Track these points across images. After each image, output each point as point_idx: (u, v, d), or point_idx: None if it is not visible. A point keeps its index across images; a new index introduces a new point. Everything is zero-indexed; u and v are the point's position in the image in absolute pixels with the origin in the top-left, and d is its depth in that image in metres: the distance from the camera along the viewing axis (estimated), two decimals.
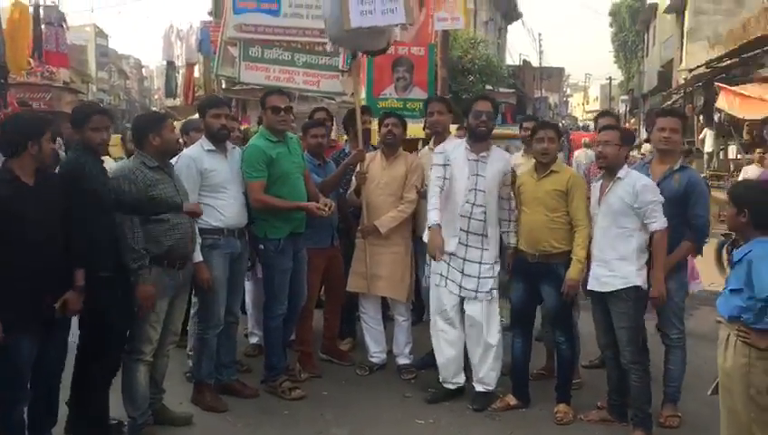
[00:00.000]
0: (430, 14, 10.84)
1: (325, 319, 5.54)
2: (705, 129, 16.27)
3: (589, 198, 4.37)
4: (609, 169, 4.20)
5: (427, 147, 5.48)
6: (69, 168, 3.84)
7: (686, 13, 22.87)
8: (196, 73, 21.50)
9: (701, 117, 17.12)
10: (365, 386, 5.08)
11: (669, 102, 21.58)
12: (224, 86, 17.83)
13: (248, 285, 5.50)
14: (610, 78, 51.00)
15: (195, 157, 4.43)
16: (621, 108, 39.77)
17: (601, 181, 4.25)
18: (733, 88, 11.72)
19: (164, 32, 21.24)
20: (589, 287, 4.22)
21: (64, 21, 20.48)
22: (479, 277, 4.54)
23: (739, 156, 12.75)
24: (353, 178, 5.25)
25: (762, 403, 3.07)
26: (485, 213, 4.54)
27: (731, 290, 3.13)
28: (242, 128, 7.42)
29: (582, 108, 65.05)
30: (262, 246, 4.71)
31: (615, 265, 4.09)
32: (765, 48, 12.65)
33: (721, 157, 15.16)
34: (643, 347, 4.23)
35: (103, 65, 45.32)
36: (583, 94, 67.36)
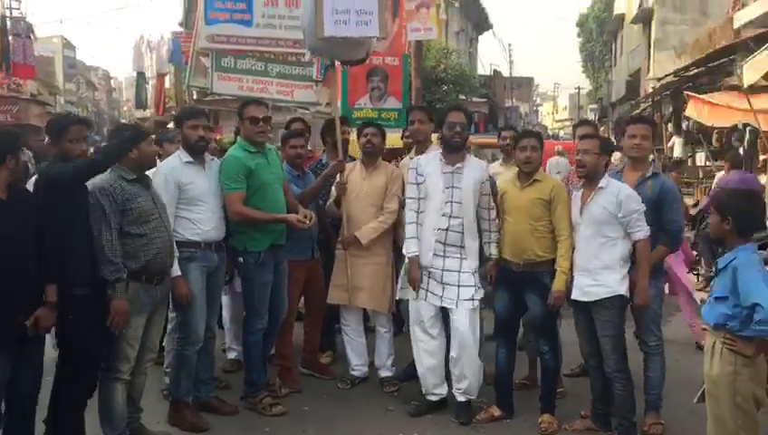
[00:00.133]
0: (403, 24, 10.87)
1: (305, 332, 5.47)
2: (674, 136, 16.51)
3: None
4: (588, 177, 4.21)
5: (408, 156, 5.45)
6: (46, 179, 3.73)
7: (653, 23, 23.32)
8: (167, 84, 21.32)
9: (669, 125, 17.37)
10: (347, 400, 5.02)
11: (638, 111, 21.87)
12: (195, 97, 17.68)
13: (225, 300, 5.42)
14: (579, 87, 51.76)
15: (173, 169, 4.35)
16: (590, 116, 40.27)
17: (582, 190, 4.26)
18: (701, 96, 11.88)
19: (134, 42, 21.04)
20: (573, 297, 4.21)
21: (32, 32, 20.18)
22: (459, 286, 4.51)
23: (708, 163, 12.95)
24: (333, 188, 5.20)
25: (748, 411, 3.09)
26: (463, 224, 4.51)
27: (716, 298, 3.14)
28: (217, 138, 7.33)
29: (552, 117, 65.91)
30: (241, 260, 4.63)
31: (599, 274, 4.09)
32: (731, 57, 12.86)
33: (689, 164, 15.39)
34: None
35: (71, 77, 44.71)
36: (552, 103, 68.25)
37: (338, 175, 5.12)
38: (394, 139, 6.41)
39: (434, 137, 5.55)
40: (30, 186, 3.90)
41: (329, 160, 5.57)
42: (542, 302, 4.34)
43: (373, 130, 5.22)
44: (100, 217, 3.75)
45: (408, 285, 4.68)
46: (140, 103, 22.73)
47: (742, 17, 13.30)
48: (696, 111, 11.57)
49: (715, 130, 11.84)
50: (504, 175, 5.47)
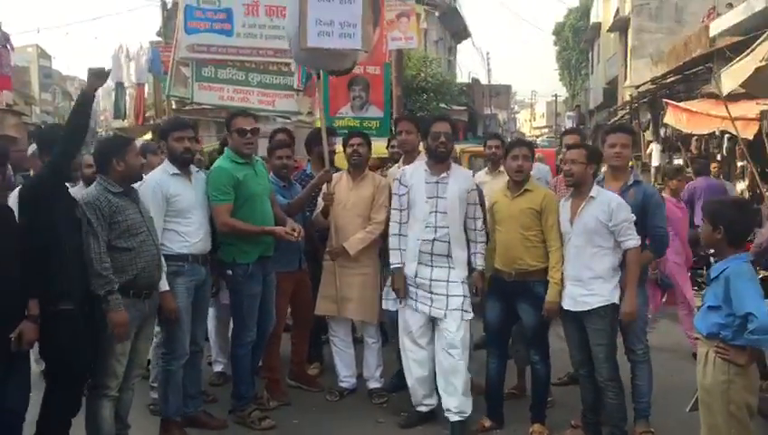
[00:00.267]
0: (384, 33, 10.91)
1: (293, 344, 5.43)
2: (652, 144, 16.70)
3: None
4: (576, 186, 4.22)
5: (396, 166, 5.44)
6: (27, 188, 3.67)
7: (629, 31, 23.57)
8: (146, 94, 21.17)
9: (647, 132, 17.57)
10: (336, 413, 4.98)
11: (616, 118, 22.10)
12: (174, 106, 17.56)
13: (211, 312, 5.34)
14: (556, 95, 52.27)
15: (160, 181, 4.29)
16: (568, 124, 40.63)
17: (571, 200, 4.26)
18: (680, 104, 12.03)
19: (113, 52, 20.84)
20: (566, 307, 4.20)
21: (8, 41, 19.92)
22: (448, 295, 4.47)
23: (688, 169, 13.07)
24: (320, 198, 5.17)
25: (742, 419, 3.10)
26: (449, 234, 4.49)
27: (709, 307, 3.16)
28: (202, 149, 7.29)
29: (530, 124, 66.37)
30: (230, 272, 4.59)
31: (592, 283, 4.09)
32: (707, 65, 13.04)
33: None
34: None
35: (47, 87, 44.14)
36: (530, 111, 68.76)
37: (324, 185, 5.09)
38: (379, 148, 6.40)
39: (422, 146, 5.55)
40: (13, 198, 3.84)
41: (313, 171, 5.55)
42: (534, 311, 4.34)
43: (359, 140, 5.20)
44: (88, 230, 3.69)
45: (392, 295, 4.66)
46: (119, 114, 22.51)
47: (717, 26, 13.48)
48: (674, 118, 11.70)
49: (694, 138, 11.97)
50: (491, 184, 5.48)
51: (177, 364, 4.34)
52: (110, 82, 25.36)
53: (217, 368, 5.60)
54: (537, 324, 4.40)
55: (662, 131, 15.25)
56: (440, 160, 4.58)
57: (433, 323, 4.57)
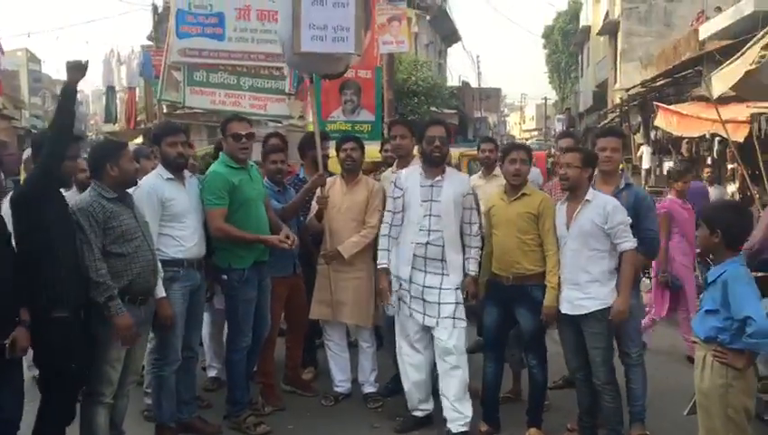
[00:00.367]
0: (375, 37, 10.91)
1: (287, 348, 5.40)
2: (643, 146, 16.79)
3: None
4: (571, 190, 4.23)
5: (389, 170, 5.43)
6: (21, 195, 3.63)
7: (619, 35, 23.70)
8: (137, 98, 21.08)
9: (638, 135, 17.66)
10: (332, 417, 4.96)
11: (606, 121, 22.21)
12: (165, 110, 17.50)
13: (205, 317, 5.28)
14: (546, 98, 52.40)
15: (154, 186, 4.27)
16: (558, 126, 40.78)
17: (567, 204, 4.27)
18: (670, 107, 12.10)
19: (104, 56, 20.74)
20: (563, 311, 4.20)
21: None
22: (439, 303, 4.46)
23: None
24: (313, 202, 5.15)
25: (740, 423, 3.10)
26: (443, 238, 4.47)
27: (706, 311, 3.16)
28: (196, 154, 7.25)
29: (519, 127, 66.55)
30: (225, 277, 4.56)
31: (589, 287, 4.09)
32: (697, 68, 13.13)
33: (658, 173, 15.65)
34: None
35: (37, 90, 43.88)
36: (520, 114, 68.95)
37: (319, 189, 5.08)
38: (372, 152, 6.39)
39: (416, 150, 5.54)
40: (6, 204, 3.81)
41: (306, 175, 5.53)
42: (531, 316, 4.33)
43: (353, 144, 5.18)
44: (82, 237, 3.66)
45: (393, 301, 4.64)
46: (110, 117, 22.40)
47: (706, 30, 13.58)
48: (665, 121, 11.78)
49: (685, 141, 12.04)
50: (484, 187, 5.48)
51: (169, 370, 4.32)
52: (100, 86, 25.31)
53: (211, 373, 5.56)
54: (535, 329, 4.39)
55: (652, 134, 15.34)
56: (435, 165, 4.57)
57: (428, 329, 4.55)
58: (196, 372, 4.78)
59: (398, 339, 4.68)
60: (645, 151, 16.46)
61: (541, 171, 8.03)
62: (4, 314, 3.37)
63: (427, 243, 4.46)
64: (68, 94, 3.60)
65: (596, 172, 4.64)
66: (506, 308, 4.46)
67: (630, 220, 4.11)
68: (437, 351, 4.49)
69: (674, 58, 15.48)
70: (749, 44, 6.87)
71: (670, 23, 21.74)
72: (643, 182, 15.32)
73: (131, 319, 3.72)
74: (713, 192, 8.88)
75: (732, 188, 10.61)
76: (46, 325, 3.50)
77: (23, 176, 6.93)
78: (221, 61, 8.54)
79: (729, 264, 3.13)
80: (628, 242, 4.07)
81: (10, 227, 3.59)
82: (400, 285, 4.58)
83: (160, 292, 4.06)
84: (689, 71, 13.69)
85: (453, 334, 4.43)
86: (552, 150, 23.63)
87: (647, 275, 6.83)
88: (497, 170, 5.79)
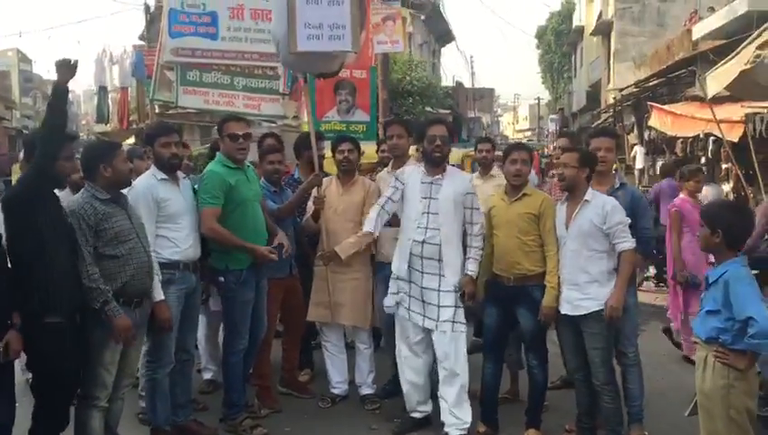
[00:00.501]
0: (370, 37, 10.88)
1: (284, 350, 5.36)
2: (636, 146, 16.81)
3: None
4: (570, 190, 4.21)
5: (385, 170, 5.40)
6: (13, 197, 3.58)
7: (612, 35, 23.74)
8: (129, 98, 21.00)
9: (631, 135, 17.68)
10: (328, 419, 4.93)
11: (599, 121, 22.24)
12: (157, 111, 17.43)
13: (201, 319, 5.27)
14: (539, 98, 52.48)
15: (149, 186, 4.22)
16: (551, 127, 40.85)
17: (566, 204, 4.25)
18: (664, 107, 12.11)
19: (96, 56, 20.66)
20: (563, 311, 4.18)
21: None
22: (438, 306, 4.42)
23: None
24: (309, 203, 5.12)
25: (742, 424, 3.08)
26: (440, 237, 4.43)
27: (707, 311, 3.14)
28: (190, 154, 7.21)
29: (513, 127, 66.65)
30: (222, 279, 4.51)
31: (588, 287, 4.07)
32: (690, 68, 13.15)
33: (651, 173, 15.66)
34: None
35: (28, 91, 43.69)
36: (513, 114, 69.07)
37: (315, 189, 5.04)
38: (370, 153, 6.36)
39: (412, 150, 5.51)
40: None
41: (302, 175, 5.49)
42: (532, 316, 4.30)
43: (349, 145, 5.15)
44: (74, 240, 3.60)
45: (392, 301, 4.60)
46: (102, 117, 22.29)
47: (699, 30, 13.60)
48: (659, 121, 11.78)
49: (679, 140, 12.05)
50: (482, 187, 5.46)
51: (162, 372, 4.27)
52: (92, 86, 25.17)
53: (207, 375, 5.53)
54: (535, 329, 4.36)
55: (646, 134, 15.34)
56: (436, 164, 4.53)
57: (428, 331, 4.51)
58: (192, 374, 4.73)
59: (398, 341, 4.65)
60: (638, 151, 16.48)
61: (535, 171, 8.04)
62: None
63: (424, 241, 4.42)
64: (59, 94, 3.56)
65: None
66: (507, 309, 4.43)
67: (629, 220, 4.09)
68: (437, 355, 4.46)
69: (667, 58, 15.49)
70: (744, 44, 6.87)
71: (663, 23, 21.79)
72: (636, 182, 15.33)
73: (129, 320, 3.67)
74: (709, 191, 8.86)
75: (726, 187, 10.61)
76: (39, 331, 3.44)
77: (14, 177, 6.86)
78: (214, 60, 8.49)
79: (730, 264, 3.11)
80: (627, 242, 4.04)
81: (1, 229, 3.54)
82: (399, 286, 4.55)
83: (158, 294, 4.00)
84: (683, 71, 13.71)
85: (452, 338, 4.40)
86: (546, 151, 23.69)
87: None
88: (494, 170, 5.78)
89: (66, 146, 3.70)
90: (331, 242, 4.94)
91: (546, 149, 25.82)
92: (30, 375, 3.92)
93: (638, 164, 16.42)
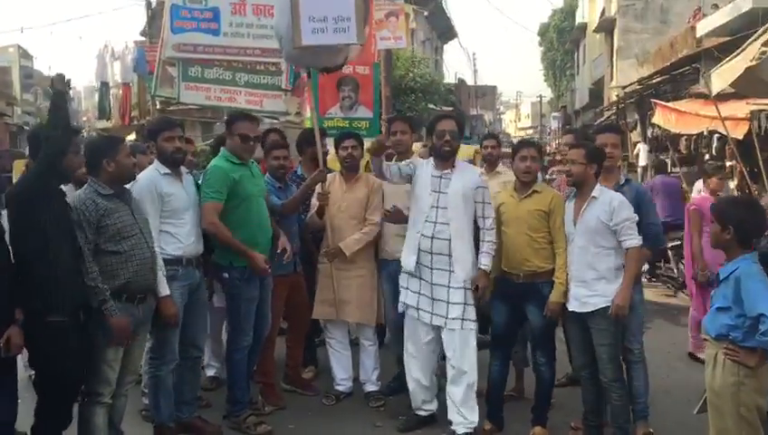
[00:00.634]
0: (373, 33, 10.83)
1: (288, 347, 5.34)
2: (639, 144, 16.76)
3: None
4: (577, 186, 4.18)
5: None
6: (17, 194, 3.54)
7: (615, 32, 23.68)
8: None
9: (634, 132, 17.63)
10: (333, 417, 4.90)
11: (602, 119, 22.18)
12: (158, 106, 17.39)
13: None
14: (541, 96, 52.39)
15: (153, 180, 4.19)
16: (553, 124, 40.79)
17: (575, 201, 4.21)
18: (668, 104, 12.05)
19: (98, 52, 20.62)
20: (570, 308, 4.14)
21: None
22: (448, 302, 4.37)
23: (675, 169, 13.13)
24: (313, 200, 5.08)
25: (752, 422, 3.06)
26: (449, 231, 4.37)
27: (718, 308, 3.11)
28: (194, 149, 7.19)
29: (515, 125, 66.55)
30: (226, 275, 4.48)
31: (595, 284, 4.04)
32: (694, 65, 13.10)
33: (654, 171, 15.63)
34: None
35: (29, 87, 43.65)
36: (515, 111, 68.96)
37: (319, 185, 5.00)
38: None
39: (415, 146, 5.48)
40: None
41: (305, 172, 5.46)
42: (541, 313, 4.26)
43: (353, 142, 5.12)
44: (77, 237, 3.57)
45: (404, 296, 4.56)
46: (103, 113, 22.26)
47: (703, 27, 13.55)
48: (663, 118, 11.72)
49: (683, 138, 12.00)
50: (488, 184, 5.41)
51: (166, 369, 4.24)
52: (91, 82, 25.15)
53: (210, 372, 5.50)
54: (544, 326, 4.33)
55: (650, 131, 15.29)
56: (445, 159, 4.49)
57: (437, 330, 4.48)
58: (200, 372, 4.72)
59: (406, 339, 4.62)
60: (641, 149, 16.42)
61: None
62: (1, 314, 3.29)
63: (433, 236, 4.37)
64: (57, 99, 3.58)
65: None
66: (516, 306, 4.40)
67: (636, 217, 4.06)
68: (446, 352, 4.42)
69: (671, 55, 15.45)
70: (749, 41, 6.84)
71: (667, 20, 21.73)
72: (639, 179, 15.30)
73: (126, 319, 3.65)
74: None
75: (731, 185, 10.57)
76: (42, 330, 3.41)
77: (15, 173, 6.82)
78: (216, 56, 8.47)
79: (741, 261, 3.08)
80: (633, 239, 4.01)
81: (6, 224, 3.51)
82: (408, 282, 4.51)
83: (164, 289, 3.97)
84: (686, 68, 13.66)
85: (461, 336, 4.36)
86: (548, 148, 23.62)
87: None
88: (500, 167, 5.75)
89: (73, 140, 3.66)
90: (336, 239, 4.91)
91: (548, 147, 25.80)
92: (33, 372, 3.90)
93: (642, 161, 16.37)
